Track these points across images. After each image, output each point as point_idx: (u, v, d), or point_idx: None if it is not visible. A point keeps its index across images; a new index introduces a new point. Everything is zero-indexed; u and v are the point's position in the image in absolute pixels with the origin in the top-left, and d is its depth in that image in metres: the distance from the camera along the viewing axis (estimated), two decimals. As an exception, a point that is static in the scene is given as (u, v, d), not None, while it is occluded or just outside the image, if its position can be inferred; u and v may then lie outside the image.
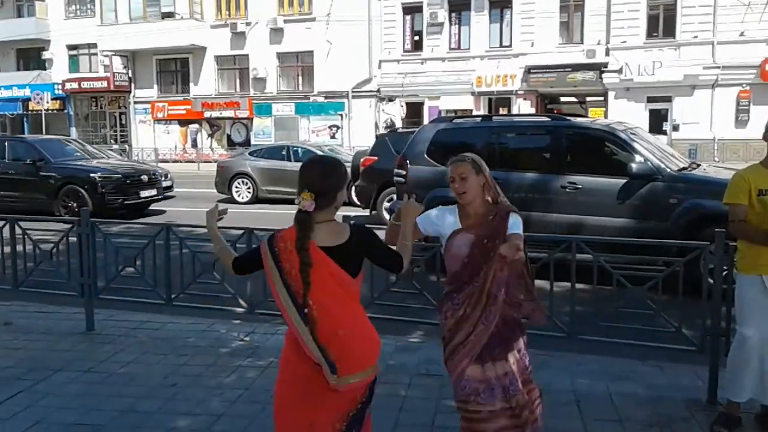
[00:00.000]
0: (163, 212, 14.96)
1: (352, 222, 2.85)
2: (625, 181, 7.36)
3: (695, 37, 25.28)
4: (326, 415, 2.59)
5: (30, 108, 34.74)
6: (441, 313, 3.15)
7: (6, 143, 15.25)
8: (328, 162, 2.75)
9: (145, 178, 14.65)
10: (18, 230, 6.02)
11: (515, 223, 3.03)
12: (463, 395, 3.04)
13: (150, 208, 15.12)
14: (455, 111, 26.49)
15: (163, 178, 15.15)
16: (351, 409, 2.64)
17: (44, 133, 32.80)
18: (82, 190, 13.69)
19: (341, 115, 30.96)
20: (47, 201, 13.81)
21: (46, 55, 36.16)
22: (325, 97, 30.99)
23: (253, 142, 30.77)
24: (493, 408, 3.00)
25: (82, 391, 4.46)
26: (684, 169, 7.75)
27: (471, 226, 3.07)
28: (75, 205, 13.46)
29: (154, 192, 14.92)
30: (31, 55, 37.32)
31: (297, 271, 2.53)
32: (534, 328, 5.15)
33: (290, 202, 13.92)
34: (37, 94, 32.23)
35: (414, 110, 29.63)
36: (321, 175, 2.63)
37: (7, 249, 6.09)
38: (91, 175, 13.93)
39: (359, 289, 2.72)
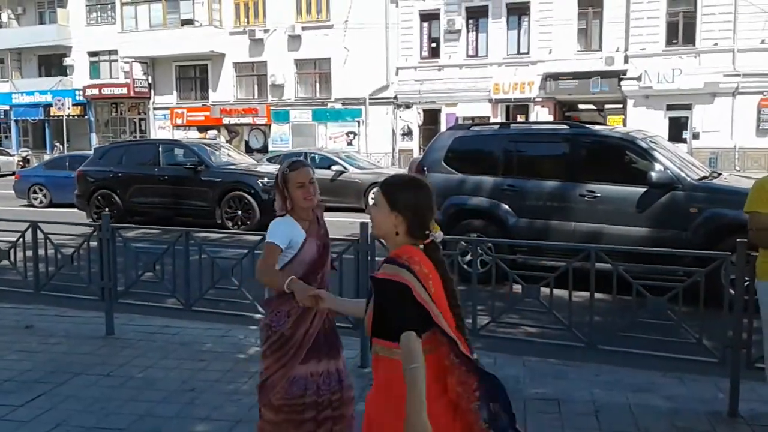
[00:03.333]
0: None
1: None
2: (644, 189, 7.30)
3: (715, 44, 25.08)
4: None
5: (51, 113, 35.23)
6: (279, 313, 3.11)
7: (160, 147, 14.30)
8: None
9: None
10: (39, 234, 6.10)
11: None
12: (297, 392, 3.07)
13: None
14: (472, 118, 26.47)
15: None
16: None
17: (65, 139, 33.30)
18: (249, 197, 12.69)
19: (358, 121, 31.05)
20: (209, 209, 12.89)
21: (67, 61, 36.66)
22: (343, 104, 31.10)
23: (270, 148, 30.97)
24: (320, 400, 3.10)
25: (102, 395, 4.50)
26: (704, 178, 7.67)
27: (312, 232, 3.20)
28: (240, 213, 12.74)
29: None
30: (52, 62, 37.83)
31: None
32: (553, 338, 5.16)
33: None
34: (59, 100, 32.71)
35: (431, 117, 29.63)
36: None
37: (29, 253, 6.17)
38: (259, 180, 12.89)
39: None
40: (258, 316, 5.51)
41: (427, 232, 2.21)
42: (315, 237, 3.19)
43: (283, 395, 3.08)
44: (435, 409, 2.05)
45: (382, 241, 2.22)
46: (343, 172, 16.35)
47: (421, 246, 2.22)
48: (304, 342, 3.09)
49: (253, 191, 12.77)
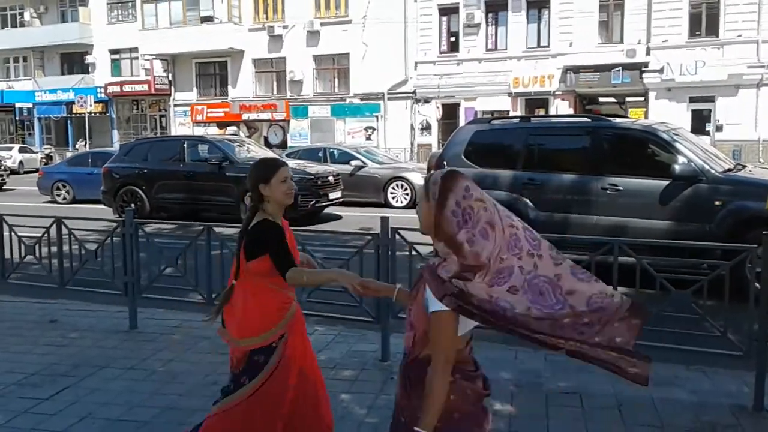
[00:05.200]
0: (339, 217, 13.95)
1: None
2: (667, 182, 7.23)
3: (739, 35, 24.70)
4: None
5: (74, 111, 35.65)
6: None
7: (185, 143, 14.51)
8: None
9: (331, 179, 13.74)
10: (64, 230, 6.17)
11: None
12: None
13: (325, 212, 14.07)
14: (492, 112, 26.33)
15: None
16: None
17: (87, 136, 33.69)
18: None
19: (377, 116, 31.03)
20: (234, 205, 12.84)
21: (89, 59, 37.08)
22: (361, 99, 31.10)
23: (289, 143, 31.05)
24: None
25: (126, 388, 4.55)
26: (729, 170, 7.58)
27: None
28: None
29: (339, 194, 14.02)
30: (74, 60, 38.31)
31: None
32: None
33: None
34: (81, 98, 33.09)
35: (450, 111, 29.53)
36: None
37: (54, 248, 6.25)
38: None
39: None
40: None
41: None
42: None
43: None
44: None
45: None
46: (362, 167, 16.38)
47: None
48: None
49: None
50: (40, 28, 38.18)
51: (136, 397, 4.40)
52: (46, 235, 6.27)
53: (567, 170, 7.99)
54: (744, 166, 8.47)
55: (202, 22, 32.93)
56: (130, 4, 35.94)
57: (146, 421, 4.04)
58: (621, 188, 7.50)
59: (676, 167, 7.19)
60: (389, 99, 30.54)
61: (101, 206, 14.93)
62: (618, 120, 8.69)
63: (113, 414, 4.14)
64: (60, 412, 4.18)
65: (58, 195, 18.29)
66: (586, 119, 8.86)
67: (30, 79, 39.21)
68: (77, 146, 33.52)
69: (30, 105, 38.98)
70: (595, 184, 7.65)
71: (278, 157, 2.97)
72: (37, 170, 24.58)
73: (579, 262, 4.70)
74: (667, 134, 7.65)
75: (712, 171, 7.22)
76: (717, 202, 6.97)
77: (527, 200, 7.92)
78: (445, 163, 8.85)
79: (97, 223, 7.43)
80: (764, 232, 4.06)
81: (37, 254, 6.39)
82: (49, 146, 37.49)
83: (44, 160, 32.76)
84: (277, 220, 3.04)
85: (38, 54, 38.96)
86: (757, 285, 4.15)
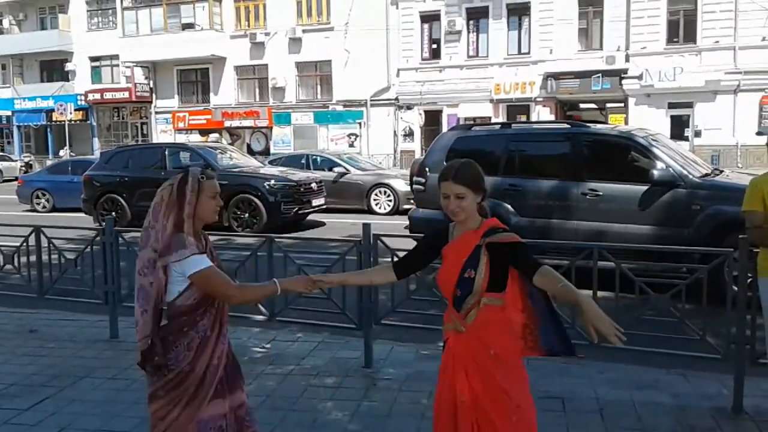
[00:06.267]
0: (322, 224, 13.95)
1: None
2: (646, 187, 7.30)
3: (716, 42, 25.04)
4: None
5: (54, 119, 35.33)
6: (177, 347, 2.70)
7: (166, 150, 14.47)
8: None
9: (314, 186, 13.67)
10: (43, 239, 6.11)
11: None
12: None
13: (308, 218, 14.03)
14: (474, 118, 26.45)
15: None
16: None
17: (67, 143, 33.37)
18: (256, 200, 12.69)
19: (360, 123, 31.06)
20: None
21: (69, 66, 36.76)
22: (344, 106, 31.13)
23: (272, 150, 30.97)
24: None
25: (107, 398, 4.51)
26: (707, 175, 7.67)
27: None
28: (247, 216, 12.72)
29: (322, 201, 13.92)
30: (54, 67, 37.96)
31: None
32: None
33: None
34: (61, 105, 32.79)
35: (432, 118, 29.63)
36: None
37: (33, 257, 6.19)
38: (266, 183, 12.94)
39: None
40: (258, 317, 5.52)
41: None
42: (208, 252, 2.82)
43: None
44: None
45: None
46: (345, 174, 16.38)
47: None
48: (207, 378, 2.70)
49: (260, 194, 12.82)
50: (19, 36, 37.79)
51: (116, 407, 4.36)
52: (25, 244, 6.21)
53: (547, 176, 8.05)
54: (721, 171, 8.58)
55: (183, 29, 32.79)
56: (110, 11, 35.70)
57: (127, 431, 4.00)
58: (601, 193, 7.57)
59: (655, 172, 7.26)
60: (372, 106, 30.59)
61: (82, 215, 14.79)
62: (597, 126, 8.78)
63: (93, 424, 4.11)
64: (40, 423, 4.14)
65: (38, 203, 18.11)
66: (566, 125, 8.92)
67: (9, 87, 38.78)
68: (61, 154, 33.15)
69: (9, 113, 38.58)
70: (575, 190, 7.71)
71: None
72: (16, 179, 24.32)
73: (559, 267, 4.78)
74: (645, 140, 7.74)
75: (690, 176, 7.30)
76: (695, 207, 7.05)
77: (508, 206, 7.97)
78: (427, 170, 8.90)
79: (77, 231, 7.36)
80: (740, 237, 4.12)
81: (16, 263, 6.32)
82: (28, 154, 37.05)
83: (24, 168, 32.40)
84: None
85: (17, 61, 38.54)
86: (734, 288, 4.21)
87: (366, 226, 4.97)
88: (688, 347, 4.46)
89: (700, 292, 4.34)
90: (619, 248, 5.41)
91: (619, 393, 4.45)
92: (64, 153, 32.81)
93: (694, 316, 4.48)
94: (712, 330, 4.39)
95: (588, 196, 7.62)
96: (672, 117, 25.89)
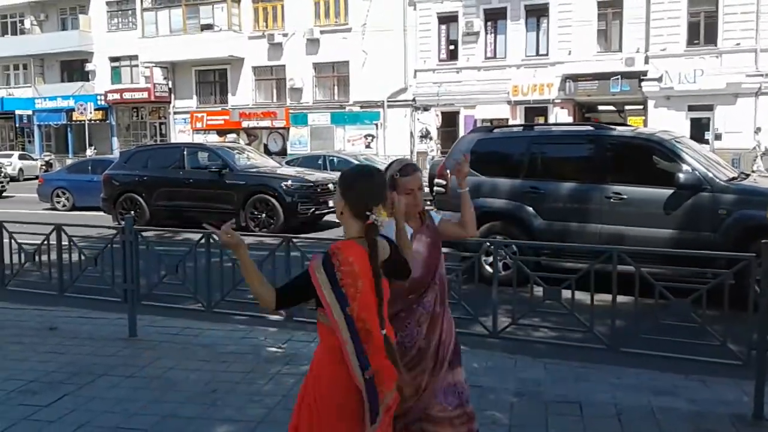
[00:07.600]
0: (338, 224, 13.90)
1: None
2: (672, 191, 7.21)
3: (738, 44, 24.76)
4: None
5: (73, 118, 35.72)
6: (409, 324, 2.88)
7: (185, 151, 14.46)
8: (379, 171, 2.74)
9: (331, 186, 13.29)
10: (64, 237, 6.17)
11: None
12: (454, 402, 2.92)
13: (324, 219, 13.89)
14: (491, 120, 26.39)
15: None
16: None
17: (87, 143, 33.70)
18: (273, 200, 12.72)
19: (376, 124, 31.08)
20: (233, 212, 12.67)
21: (89, 66, 37.16)
22: (361, 107, 31.16)
23: (289, 151, 31.11)
24: (456, 414, 2.93)
25: (125, 396, 4.54)
26: (733, 179, 7.54)
27: (419, 230, 2.99)
28: (264, 216, 12.76)
29: None
30: (74, 67, 38.39)
31: (366, 294, 2.38)
32: (574, 341, 5.13)
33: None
34: (81, 105, 33.17)
35: (449, 119, 29.59)
36: (385, 186, 2.64)
37: (53, 256, 6.25)
38: (283, 183, 12.99)
39: None
40: (275, 317, 5.52)
41: (367, 213, 2.44)
42: (424, 234, 2.98)
43: (444, 407, 2.90)
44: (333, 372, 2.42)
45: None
46: (361, 175, 16.37)
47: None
48: (441, 351, 2.92)
49: (277, 194, 12.83)
50: (40, 36, 38.28)
51: (135, 404, 4.39)
52: (45, 242, 6.27)
53: (570, 179, 7.97)
54: (748, 175, 8.46)
55: (202, 30, 33.01)
56: (130, 12, 36.04)
57: (145, 429, 4.03)
58: (625, 197, 7.48)
59: (681, 176, 7.15)
60: (389, 107, 30.60)
61: (101, 213, 14.92)
62: (621, 128, 8.68)
63: (112, 422, 4.13)
64: (59, 420, 4.17)
65: (58, 202, 18.29)
66: (589, 127, 8.84)
67: (30, 87, 39.28)
68: (88, 153, 33.39)
69: (30, 112, 39.03)
70: (598, 193, 7.63)
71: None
72: (36, 177, 24.60)
73: (578, 271, 4.74)
74: (671, 143, 7.64)
75: (717, 180, 7.19)
76: (721, 211, 6.95)
77: (530, 208, 7.92)
78: (448, 171, 8.86)
79: (97, 230, 7.42)
80: (763, 241, 4.07)
81: (37, 261, 6.39)
82: (48, 153, 37.50)
83: (44, 167, 32.77)
84: None
85: (38, 61, 39.03)
86: (756, 289, 4.15)
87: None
88: (708, 353, 4.41)
89: (721, 297, 4.29)
90: (639, 252, 5.35)
91: (637, 398, 4.41)
92: (91, 152, 33.16)
93: (715, 321, 4.43)
94: (733, 336, 4.33)
95: (612, 200, 7.54)
96: (692, 120, 25.60)
